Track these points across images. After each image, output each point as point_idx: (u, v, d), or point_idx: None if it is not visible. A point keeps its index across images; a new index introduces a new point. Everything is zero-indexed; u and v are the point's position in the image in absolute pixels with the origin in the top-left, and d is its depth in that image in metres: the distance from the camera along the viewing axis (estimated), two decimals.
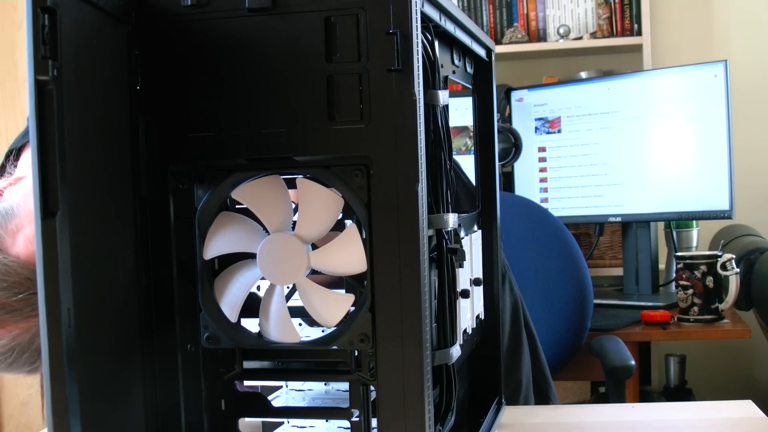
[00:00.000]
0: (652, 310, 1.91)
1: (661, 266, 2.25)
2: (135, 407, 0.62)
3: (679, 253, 1.96)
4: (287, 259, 0.62)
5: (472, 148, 0.90)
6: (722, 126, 1.99)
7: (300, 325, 0.76)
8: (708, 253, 1.90)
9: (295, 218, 0.64)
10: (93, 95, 0.57)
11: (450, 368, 0.66)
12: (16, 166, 0.97)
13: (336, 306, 0.63)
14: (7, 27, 2.54)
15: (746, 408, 0.94)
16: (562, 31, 2.68)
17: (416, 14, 0.58)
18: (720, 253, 1.87)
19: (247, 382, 0.70)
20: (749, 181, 2.53)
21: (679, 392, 2.48)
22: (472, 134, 0.91)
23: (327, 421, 0.75)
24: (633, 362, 1.59)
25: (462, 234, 0.75)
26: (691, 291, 1.87)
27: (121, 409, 0.60)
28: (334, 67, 0.59)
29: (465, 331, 0.75)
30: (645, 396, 2.40)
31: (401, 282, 0.58)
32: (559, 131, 2.23)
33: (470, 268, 0.78)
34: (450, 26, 0.71)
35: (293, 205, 0.65)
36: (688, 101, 2.05)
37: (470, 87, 0.87)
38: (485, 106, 0.89)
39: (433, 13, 0.65)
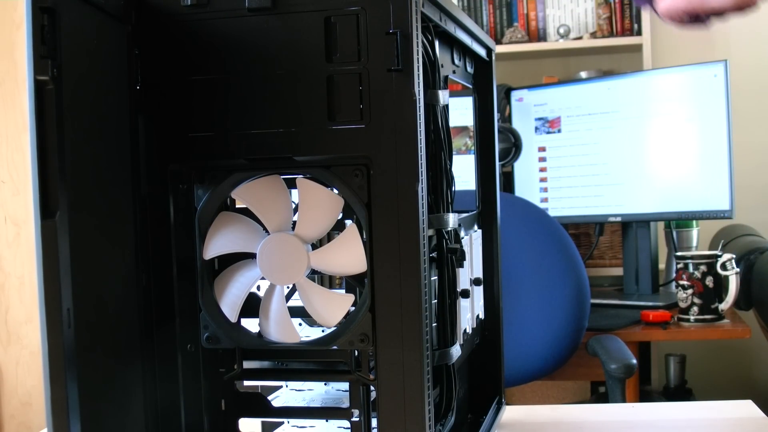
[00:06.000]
0: (652, 310, 1.91)
1: (661, 266, 2.25)
2: (135, 407, 0.62)
3: (679, 253, 1.96)
4: (287, 259, 0.62)
5: (472, 148, 0.90)
6: (722, 126, 1.99)
7: (300, 325, 0.76)
8: (708, 253, 1.90)
9: (295, 218, 0.64)
10: (93, 95, 0.57)
11: (450, 368, 0.66)
12: None
13: (336, 306, 0.63)
14: (7, 27, 2.54)
15: (746, 408, 0.94)
16: (562, 31, 2.68)
17: (416, 14, 0.58)
18: (720, 253, 1.86)
19: (247, 382, 0.70)
20: (749, 181, 2.52)
21: (679, 392, 2.48)
22: (472, 134, 0.91)
23: (327, 421, 0.75)
24: (634, 361, 1.59)
25: (462, 234, 0.75)
26: (691, 291, 1.87)
27: (121, 409, 0.60)
28: (334, 67, 0.59)
29: (465, 331, 0.75)
30: (645, 396, 2.40)
31: (401, 282, 0.58)
32: (559, 131, 2.23)
33: (470, 268, 0.78)
34: (450, 26, 0.71)
35: (293, 205, 0.65)
36: (688, 101, 2.05)
37: (470, 87, 0.87)
38: (485, 106, 0.89)
39: (433, 13, 0.65)
